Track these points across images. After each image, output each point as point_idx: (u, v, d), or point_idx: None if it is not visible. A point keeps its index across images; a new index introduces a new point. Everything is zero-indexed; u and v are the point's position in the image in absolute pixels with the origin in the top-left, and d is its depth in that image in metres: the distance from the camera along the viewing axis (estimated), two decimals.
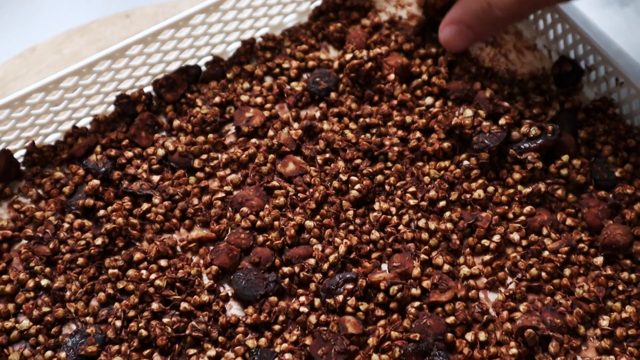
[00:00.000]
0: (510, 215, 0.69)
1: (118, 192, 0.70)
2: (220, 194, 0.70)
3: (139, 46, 0.72)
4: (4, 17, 0.81)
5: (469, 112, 0.70)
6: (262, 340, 0.63)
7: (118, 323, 0.64)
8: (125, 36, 0.77)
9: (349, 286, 0.64)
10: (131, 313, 0.64)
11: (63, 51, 0.77)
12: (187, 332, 0.63)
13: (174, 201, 0.70)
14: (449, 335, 0.63)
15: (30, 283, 0.66)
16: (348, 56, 0.74)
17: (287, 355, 0.62)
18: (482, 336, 0.63)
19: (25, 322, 0.64)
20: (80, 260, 0.66)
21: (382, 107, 0.73)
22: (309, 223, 0.67)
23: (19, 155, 0.72)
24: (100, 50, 0.74)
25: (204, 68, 0.76)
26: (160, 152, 0.71)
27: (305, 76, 0.76)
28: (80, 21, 0.78)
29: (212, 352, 0.62)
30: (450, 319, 0.63)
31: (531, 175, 0.70)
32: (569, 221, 0.68)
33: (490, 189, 0.70)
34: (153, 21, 0.79)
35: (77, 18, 0.79)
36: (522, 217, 0.68)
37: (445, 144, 0.71)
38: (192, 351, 0.63)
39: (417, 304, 0.64)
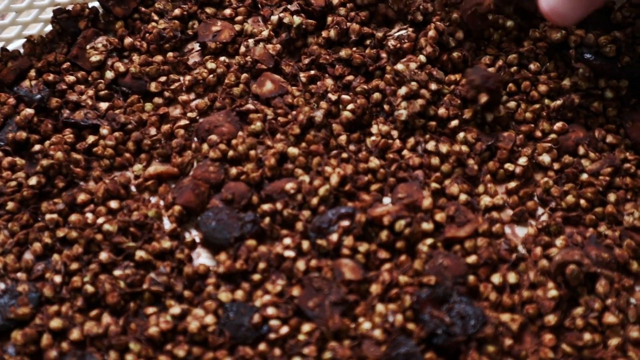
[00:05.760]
0: (538, 134, 0.62)
1: (57, 124, 0.63)
2: (183, 122, 0.63)
3: None
4: None
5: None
6: (239, 293, 0.56)
7: (57, 279, 0.56)
8: None
9: (345, 223, 0.57)
10: (74, 266, 0.57)
11: None
12: (145, 286, 0.56)
13: (126, 132, 0.63)
14: (471, 277, 0.56)
15: None
16: None
17: (269, 310, 0.54)
18: (512, 278, 0.56)
19: None
20: (11, 205, 0.59)
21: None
22: (293, 150, 0.60)
23: None
24: None
25: None
26: (109, 75, 0.64)
27: None
28: None
29: (176, 310, 0.55)
30: (471, 259, 0.56)
31: (559, 86, 0.62)
32: (609, 138, 0.61)
33: (512, 104, 0.62)
34: None
35: None
36: (553, 136, 0.61)
37: (455, 54, 0.62)
38: (151, 310, 0.55)
39: (429, 241, 0.57)
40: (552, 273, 0.55)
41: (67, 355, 0.52)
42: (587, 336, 0.52)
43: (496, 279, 0.56)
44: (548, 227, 0.58)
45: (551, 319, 0.54)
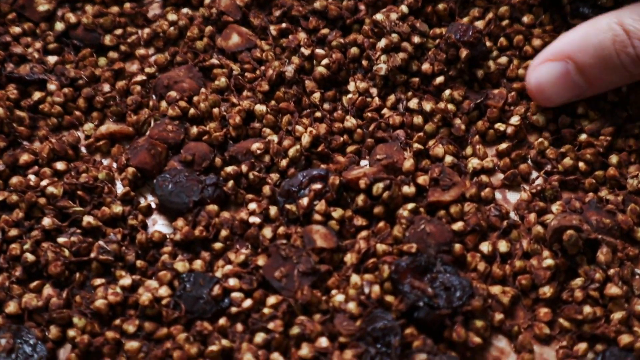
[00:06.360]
0: None
1: (0, 79, 0.58)
2: (140, 77, 0.58)
3: None
4: None
5: None
6: (197, 263, 0.51)
7: None
8: None
9: (317, 186, 0.52)
10: (13, 232, 0.52)
11: None
12: (92, 255, 0.52)
13: (76, 88, 0.58)
14: (457, 246, 0.51)
15: None
16: None
17: (231, 281, 0.50)
18: (503, 246, 0.52)
19: None
20: None
21: None
22: (260, 108, 0.56)
23: None
24: None
25: None
26: (59, 26, 0.60)
27: None
28: None
29: (126, 281, 0.50)
30: (457, 225, 0.52)
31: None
32: (611, 96, 0.57)
33: (503, 59, 0.57)
34: None
35: None
36: None
37: (441, 5, 0.57)
38: (98, 281, 0.51)
39: (410, 206, 0.52)
40: (547, 240, 0.51)
41: (2, 330, 0.47)
42: (587, 309, 0.48)
43: (485, 247, 0.52)
44: (543, 191, 0.53)
45: (547, 290, 0.50)
